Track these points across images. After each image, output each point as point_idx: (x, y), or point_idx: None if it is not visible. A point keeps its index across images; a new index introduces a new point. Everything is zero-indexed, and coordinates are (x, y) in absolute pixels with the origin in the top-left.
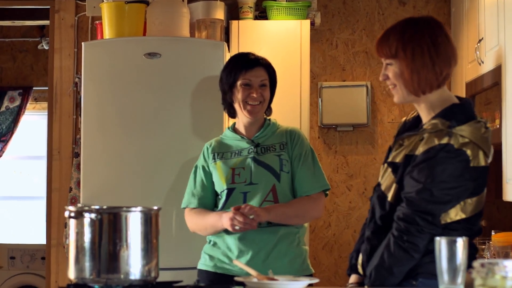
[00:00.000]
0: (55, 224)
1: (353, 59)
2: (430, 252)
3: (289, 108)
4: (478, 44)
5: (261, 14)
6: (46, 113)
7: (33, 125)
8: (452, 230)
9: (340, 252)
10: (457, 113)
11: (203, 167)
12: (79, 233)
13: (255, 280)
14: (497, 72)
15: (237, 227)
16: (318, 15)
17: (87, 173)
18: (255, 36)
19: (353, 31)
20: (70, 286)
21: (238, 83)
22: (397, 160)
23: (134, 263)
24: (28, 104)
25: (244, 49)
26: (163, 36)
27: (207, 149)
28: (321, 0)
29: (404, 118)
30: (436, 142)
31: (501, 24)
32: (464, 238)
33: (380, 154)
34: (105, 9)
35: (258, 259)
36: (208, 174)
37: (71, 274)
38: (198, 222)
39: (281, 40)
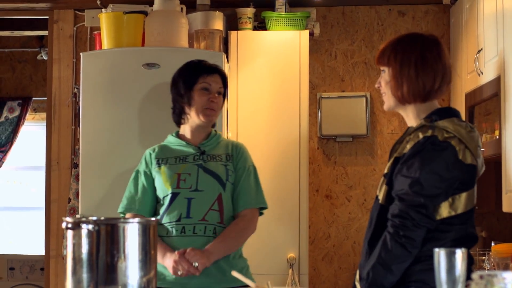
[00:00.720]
0: (54, 235)
1: (352, 69)
2: (421, 260)
3: (288, 118)
4: (478, 55)
5: (260, 24)
6: (45, 124)
7: (32, 135)
8: (445, 232)
9: (340, 263)
10: (441, 113)
11: (145, 173)
12: (77, 244)
13: None
14: (497, 82)
15: (179, 272)
16: (317, 26)
17: (85, 183)
18: (254, 47)
19: (352, 41)
20: None
21: (198, 86)
22: (387, 170)
23: (131, 274)
24: (27, 115)
25: (243, 59)
26: (161, 46)
27: (150, 154)
28: (320, 10)
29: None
30: (421, 136)
31: (500, 35)
32: (463, 249)
33: (380, 164)
34: (104, 19)
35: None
36: (150, 180)
37: (69, 286)
38: None
39: (280, 50)
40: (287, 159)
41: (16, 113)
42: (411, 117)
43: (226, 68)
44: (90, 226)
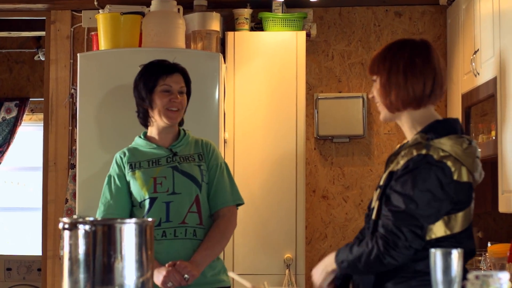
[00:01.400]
0: (51, 235)
1: (349, 70)
2: (418, 276)
3: (285, 119)
4: (474, 56)
5: (257, 25)
6: (42, 124)
7: (29, 136)
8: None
9: None
10: (438, 127)
11: (119, 176)
12: (73, 245)
13: None
14: (493, 83)
15: (169, 284)
16: (314, 27)
17: (82, 184)
18: (251, 48)
19: (349, 42)
20: None
21: (158, 89)
22: (382, 182)
23: (128, 275)
24: (24, 115)
25: (240, 60)
26: (158, 47)
27: (121, 158)
28: (317, 11)
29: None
30: (415, 153)
31: (497, 35)
32: (459, 249)
33: (376, 165)
34: (101, 20)
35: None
36: (125, 184)
37: (65, 286)
38: None
39: (277, 51)
40: (284, 160)
41: (13, 113)
42: (406, 127)
43: (223, 69)
44: (87, 227)
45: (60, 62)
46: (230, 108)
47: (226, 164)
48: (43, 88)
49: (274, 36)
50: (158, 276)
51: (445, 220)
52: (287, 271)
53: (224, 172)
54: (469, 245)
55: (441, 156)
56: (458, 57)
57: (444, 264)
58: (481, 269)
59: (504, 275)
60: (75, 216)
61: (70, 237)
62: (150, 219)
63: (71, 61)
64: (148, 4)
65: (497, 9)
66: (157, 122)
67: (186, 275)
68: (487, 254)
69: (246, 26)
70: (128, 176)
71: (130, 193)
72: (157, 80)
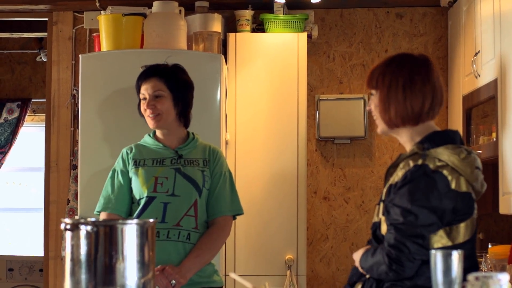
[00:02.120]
0: (53, 236)
1: (350, 72)
2: None
3: (286, 120)
4: (475, 57)
5: (259, 26)
6: (44, 125)
7: (31, 137)
8: None
9: (337, 265)
10: (435, 137)
11: (122, 172)
12: (75, 245)
13: None
14: (494, 85)
15: None
16: (315, 28)
17: (84, 185)
18: (252, 49)
19: (350, 44)
20: None
21: (140, 96)
22: (384, 196)
23: (130, 275)
24: (26, 116)
25: (241, 62)
26: (160, 48)
27: (127, 154)
28: (318, 13)
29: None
30: (411, 164)
31: (497, 37)
32: (460, 251)
33: (378, 166)
34: (103, 21)
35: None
36: (127, 180)
37: (67, 287)
38: None
39: (278, 52)
40: (285, 161)
41: (15, 114)
42: (405, 140)
43: (224, 70)
44: (89, 228)
45: (62, 63)
46: (231, 109)
47: (230, 173)
48: (45, 89)
49: (275, 37)
50: None
51: (446, 230)
52: (288, 272)
53: (227, 181)
54: (473, 258)
55: (437, 165)
56: (459, 58)
57: (445, 265)
58: (481, 270)
59: (504, 277)
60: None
61: (72, 237)
62: (151, 220)
63: (73, 62)
64: (150, 6)
65: (498, 11)
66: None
67: (173, 281)
68: (487, 255)
69: (248, 28)
70: (131, 172)
71: (131, 190)
72: (138, 89)
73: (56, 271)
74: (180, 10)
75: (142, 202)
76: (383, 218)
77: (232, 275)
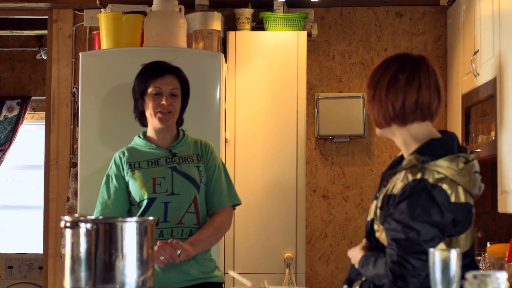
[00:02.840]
0: (52, 233)
1: (349, 70)
2: None
3: (286, 119)
4: (474, 56)
5: (258, 25)
6: (44, 123)
7: (31, 134)
8: None
9: (336, 263)
10: (434, 147)
11: (117, 176)
12: (75, 243)
13: None
14: (493, 84)
15: (162, 258)
16: (315, 27)
17: (84, 183)
18: (252, 47)
19: (349, 42)
20: None
21: (149, 91)
22: (380, 203)
23: (129, 273)
24: (26, 114)
25: (241, 60)
26: (160, 46)
27: (120, 158)
28: (318, 11)
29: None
30: (410, 178)
31: (497, 36)
32: (458, 249)
33: (377, 165)
34: (103, 19)
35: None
36: (122, 184)
37: (67, 284)
38: None
39: (278, 51)
40: (285, 159)
41: (15, 112)
42: (399, 142)
43: (224, 68)
44: (89, 225)
45: (62, 61)
46: (231, 107)
47: (223, 165)
48: (45, 87)
49: (275, 36)
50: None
51: (447, 241)
52: (287, 270)
53: (221, 173)
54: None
55: (436, 179)
56: (458, 57)
57: (443, 264)
58: (480, 269)
59: (502, 275)
60: (76, 215)
61: (72, 235)
62: (151, 218)
63: (73, 60)
64: (150, 4)
65: (497, 10)
66: (151, 123)
67: (178, 250)
68: (486, 254)
69: (248, 26)
70: (127, 176)
71: (128, 193)
72: (148, 83)
73: (55, 268)
74: (180, 8)
75: (144, 204)
76: (381, 227)
77: (231, 273)
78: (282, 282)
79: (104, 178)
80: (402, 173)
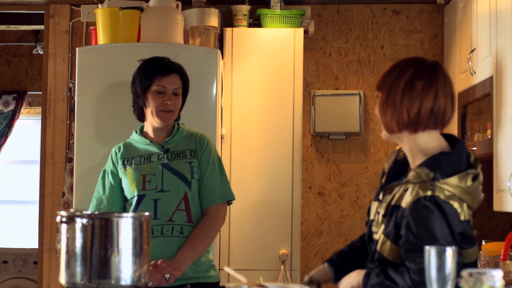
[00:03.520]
0: (47, 229)
1: (346, 67)
2: None
3: (282, 116)
4: (471, 54)
5: (255, 21)
6: (40, 118)
7: (27, 129)
8: None
9: None
10: (444, 163)
11: (112, 172)
12: (71, 238)
13: (245, 287)
14: (489, 82)
15: (150, 284)
16: (312, 24)
17: (79, 178)
18: (249, 44)
19: (346, 39)
20: None
21: (153, 88)
22: (383, 210)
23: (125, 268)
24: (22, 109)
25: (238, 56)
26: (157, 42)
27: (116, 154)
28: (315, 8)
29: (397, 149)
30: (421, 194)
31: (494, 34)
32: (454, 247)
33: (372, 162)
34: (100, 15)
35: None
36: (117, 180)
37: (62, 279)
38: None
39: (274, 48)
40: (281, 156)
41: (11, 107)
42: (406, 149)
43: (220, 65)
44: (84, 220)
45: (59, 56)
46: (227, 104)
47: (219, 159)
48: (41, 82)
49: (272, 32)
50: None
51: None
52: (282, 267)
53: (215, 168)
54: None
55: (447, 195)
56: (455, 55)
57: (439, 262)
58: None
59: (497, 273)
60: (72, 210)
61: (68, 230)
62: (147, 213)
63: (70, 55)
64: None
65: (494, 9)
66: (150, 120)
67: (166, 275)
68: (481, 252)
69: (244, 23)
70: (120, 173)
71: (122, 190)
72: (152, 80)
73: (50, 263)
74: (177, 4)
75: (134, 201)
76: (381, 233)
77: (227, 269)
78: (277, 279)
79: (101, 173)
80: (410, 187)
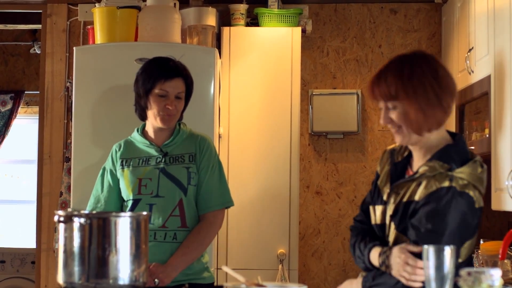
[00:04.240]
0: (45, 228)
1: (344, 66)
2: None
3: (280, 115)
4: (469, 53)
5: (253, 21)
6: (38, 117)
7: (24, 129)
8: None
9: (329, 260)
10: (453, 154)
11: (111, 171)
12: (68, 237)
13: (243, 286)
14: (487, 81)
15: None
16: (309, 23)
17: (77, 177)
18: (247, 43)
19: (344, 39)
20: None
21: (155, 91)
22: (391, 211)
23: (123, 268)
24: (19, 108)
25: (235, 55)
26: (154, 41)
27: (116, 152)
28: (312, 7)
29: (390, 148)
30: (438, 185)
31: (491, 34)
32: (452, 246)
33: (370, 162)
34: (97, 14)
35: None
36: (115, 179)
37: (60, 279)
38: None
39: (272, 47)
40: (278, 155)
41: (9, 106)
42: (419, 146)
43: (218, 64)
44: (82, 220)
45: (56, 55)
46: (225, 103)
47: (219, 164)
48: (39, 81)
49: (269, 31)
50: None
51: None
52: (280, 266)
53: (214, 174)
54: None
55: (461, 185)
56: (453, 54)
57: (437, 261)
58: (473, 266)
59: (496, 272)
60: (69, 209)
61: (65, 230)
62: (144, 213)
63: (67, 54)
64: None
65: (492, 7)
66: (152, 122)
67: (156, 280)
68: (479, 251)
69: (242, 22)
70: (118, 173)
71: (120, 190)
72: (154, 83)
73: (48, 263)
74: (175, 4)
75: (129, 204)
76: (396, 233)
77: (225, 269)
78: (275, 278)
79: (101, 170)
80: (425, 181)
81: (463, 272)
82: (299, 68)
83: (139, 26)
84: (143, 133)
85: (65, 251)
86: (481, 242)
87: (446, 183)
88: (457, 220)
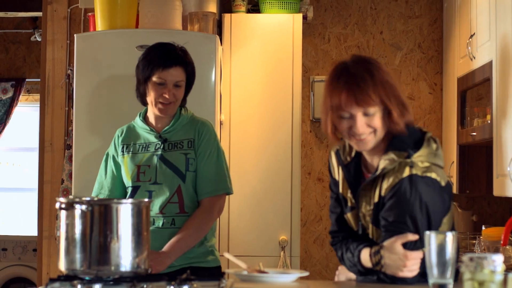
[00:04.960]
0: (46, 216)
1: (345, 53)
2: None
3: (281, 102)
4: (470, 40)
5: (254, 7)
6: (39, 105)
7: (25, 116)
8: None
9: (331, 246)
10: (405, 138)
11: (113, 157)
12: (70, 224)
13: (245, 272)
14: (489, 67)
15: None
16: (310, 9)
17: (78, 165)
18: (248, 30)
19: (345, 25)
20: (60, 277)
21: (153, 79)
22: (365, 210)
23: (124, 255)
24: (20, 96)
25: (236, 42)
26: (155, 28)
27: (118, 137)
28: None
29: (334, 150)
30: (400, 176)
31: (493, 19)
32: (454, 232)
33: None
34: (98, 1)
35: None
36: (118, 165)
37: (62, 266)
38: None
39: (273, 33)
40: (280, 142)
41: (10, 94)
42: (382, 146)
43: (219, 51)
44: (84, 207)
45: (57, 42)
46: (226, 90)
47: (218, 150)
48: (40, 69)
49: (270, 18)
50: None
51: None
52: (282, 253)
53: (212, 160)
54: None
55: (423, 170)
56: (454, 40)
57: (439, 247)
58: (475, 252)
59: (498, 258)
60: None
61: (67, 217)
62: (146, 200)
63: (68, 41)
64: None
65: None
66: (151, 109)
67: (149, 269)
68: (481, 237)
69: (243, 8)
70: (119, 159)
71: (121, 175)
72: (152, 71)
73: (50, 250)
74: None
75: (129, 191)
76: (373, 228)
77: (227, 255)
78: (277, 265)
79: (104, 155)
80: (387, 175)
81: (465, 257)
82: (300, 55)
83: (140, 13)
84: (145, 119)
85: (66, 238)
86: (483, 228)
87: (406, 173)
88: (420, 205)
